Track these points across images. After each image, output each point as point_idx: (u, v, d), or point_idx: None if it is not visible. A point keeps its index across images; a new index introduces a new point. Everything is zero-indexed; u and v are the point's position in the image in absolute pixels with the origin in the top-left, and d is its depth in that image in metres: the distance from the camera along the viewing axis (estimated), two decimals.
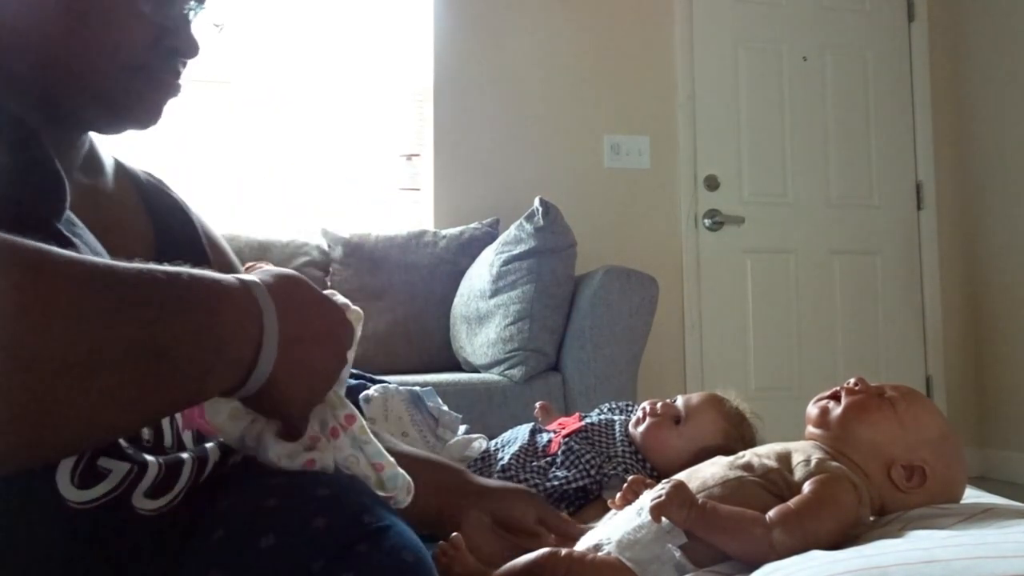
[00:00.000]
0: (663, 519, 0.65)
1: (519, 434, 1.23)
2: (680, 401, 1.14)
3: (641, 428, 1.13)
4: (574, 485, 1.07)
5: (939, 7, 3.42)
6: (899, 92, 3.38)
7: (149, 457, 0.55)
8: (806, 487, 0.66)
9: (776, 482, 0.69)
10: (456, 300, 2.46)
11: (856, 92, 3.34)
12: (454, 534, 0.71)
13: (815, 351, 3.21)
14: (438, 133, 3.01)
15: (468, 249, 2.61)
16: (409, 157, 3.15)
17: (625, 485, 0.77)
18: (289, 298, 0.50)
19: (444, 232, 2.70)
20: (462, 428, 1.29)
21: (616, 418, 1.22)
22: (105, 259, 0.43)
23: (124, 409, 0.41)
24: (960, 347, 3.35)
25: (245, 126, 2.99)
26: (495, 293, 2.24)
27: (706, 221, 3.18)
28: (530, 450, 1.17)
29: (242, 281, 0.48)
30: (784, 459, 0.71)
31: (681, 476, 0.72)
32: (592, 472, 1.08)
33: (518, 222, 2.30)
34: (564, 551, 0.67)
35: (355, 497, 0.54)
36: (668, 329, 3.02)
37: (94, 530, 0.51)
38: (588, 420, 1.21)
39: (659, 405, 1.14)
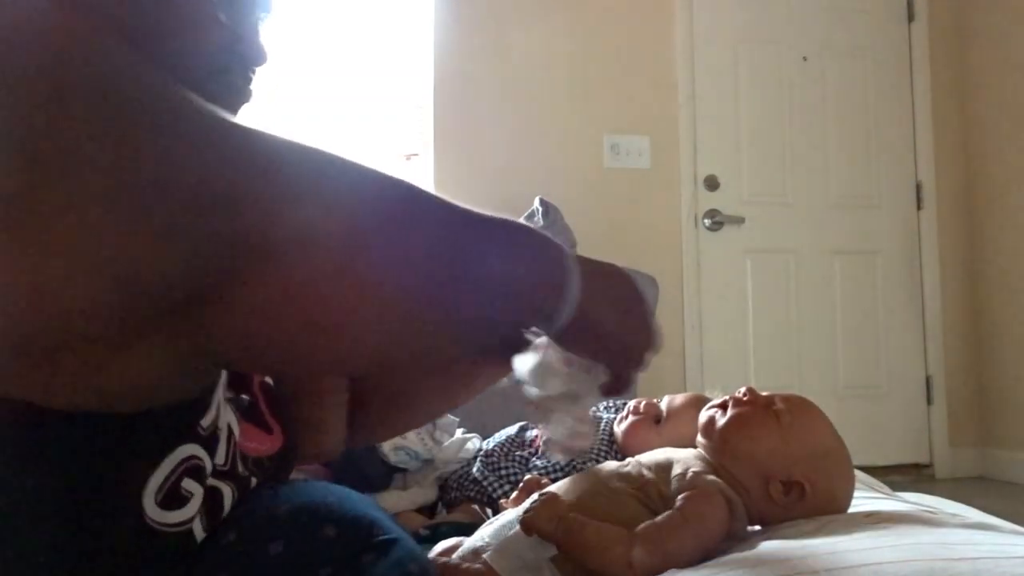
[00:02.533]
0: None
1: (510, 430, 1.25)
2: (664, 401, 1.16)
3: (623, 426, 1.14)
4: (552, 476, 1.09)
5: (939, 7, 3.42)
6: (899, 92, 3.38)
7: (222, 484, 0.54)
8: (677, 502, 0.66)
9: (651, 495, 0.68)
10: None
11: (856, 92, 3.34)
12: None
13: (815, 351, 3.22)
14: (438, 133, 3.02)
15: None
16: (409, 157, 3.15)
17: (521, 485, 0.77)
18: (602, 269, 0.58)
19: None
20: (459, 431, 1.31)
21: (604, 415, 1.24)
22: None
23: (477, 317, 0.49)
24: (960, 347, 3.35)
25: None
26: None
27: (706, 221, 3.18)
28: (516, 442, 1.19)
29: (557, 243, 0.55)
30: (664, 470, 0.70)
31: (566, 483, 0.72)
32: (564, 465, 1.10)
33: None
34: (441, 559, 0.68)
35: (364, 509, 0.55)
36: (668, 329, 3.01)
37: (160, 553, 0.50)
38: None
39: (643, 404, 1.15)
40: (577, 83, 3.13)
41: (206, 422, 0.52)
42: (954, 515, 0.69)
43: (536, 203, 2.27)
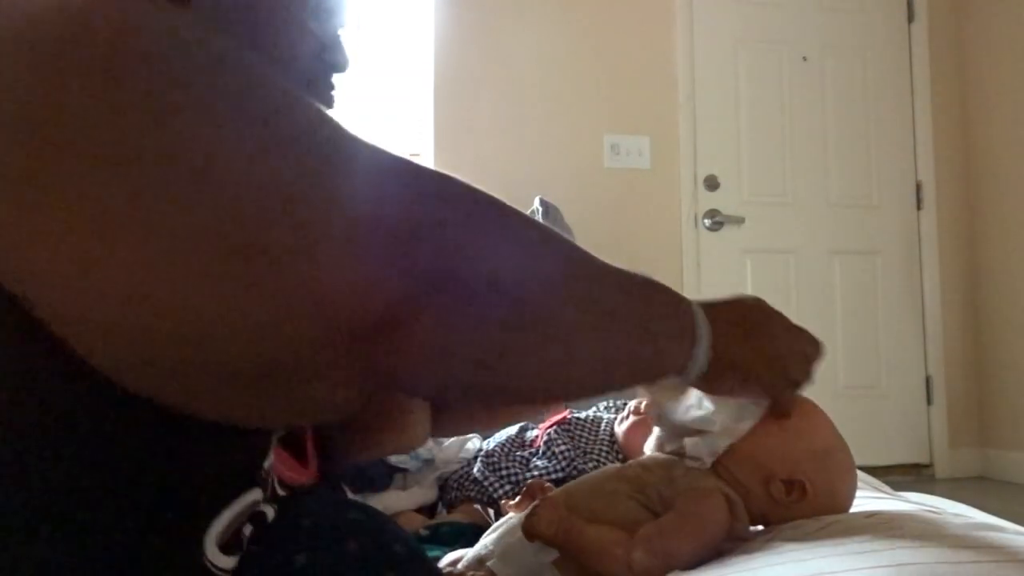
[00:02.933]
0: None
1: (510, 430, 1.25)
2: None
3: (623, 426, 1.14)
4: (553, 476, 1.08)
5: (939, 7, 3.42)
6: (899, 92, 3.39)
7: (267, 507, 0.54)
8: (677, 503, 0.66)
9: (651, 497, 0.68)
10: None
11: (856, 92, 3.35)
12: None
13: None
14: (438, 133, 3.02)
15: None
16: (409, 157, 3.15)
17: (524, 489, 0.77)
18: (729, 305, 0.60)
19: None
20: None
21: (605, 415, 1.24)
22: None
23: (598, 358, 0.51)
24: (960, 347, 3.35)
25: None
26: None
27: (706, 221, 3.18)
28: (516, 441, 1.19)
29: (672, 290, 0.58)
30: (666, 470, 0.70)
31: (568, 486, 0.72)
32: (564, 465, 1.10)
33: None
34: (447, 570, 0.68)
35: (387, 525, 0.56)
36: None
37: None
38: (574, 414, 1.23)
39: (643, 404, 1.15)
40: (577, 83, 3.13)
41: (267, 463, 0.52)
42: (956, 515, 0.69)
43: (536, 203, 2.27)
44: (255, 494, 0.49)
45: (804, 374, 0.65)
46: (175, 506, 0.43)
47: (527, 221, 0.47)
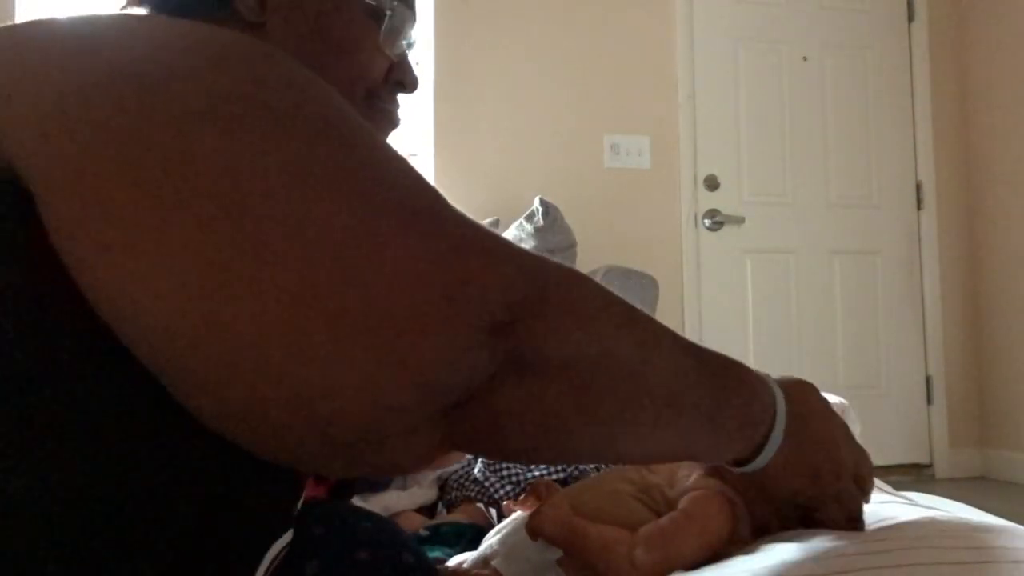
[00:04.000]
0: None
1: None
2: None
3: None
4: (554, 477, 1.08)
5: (939, 7, 3.43)
6: (899, 92, 3.39)
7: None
8: (680, 503, 0.66)
9: (655, 498, 0.69)
10: None
11: (856, 92, 3.35)
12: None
13: (815, 351, 3.22)
14: (438, 133, 3.02)
15: None
16: (409, 157, 3.15)
17: (528, 488, 0.78)
18: (799, 400, 0.58)
19: None
20: None
21: None
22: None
23: (665, 444, 0.51)
24: (960, 347, 3.36)
25: None
26: None
27: (706, 221, 3.18)
28: None
29: (761, 374, 0.56)
30: (670, 471, 0.71)
31: (572, 487, 0.72)
32: (566, 466, 1.10)
33: (518, 222, 2.30)
34: (450, 569, 0.68)
35: (398, 535, 0.57)
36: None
37: None
38: None
39: None
40: (577, 83, 3.13)
41: (299, 503, 0.52)
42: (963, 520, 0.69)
43: (536, 203, 2.27)
44: (288, 536, 0.49)
45: (854, 507, 0.61)
46: (225, 556, 0.43)
47: (618, 309, 0.47)
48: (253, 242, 0.35)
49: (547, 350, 0.42)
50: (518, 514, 0.74)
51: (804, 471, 0.58)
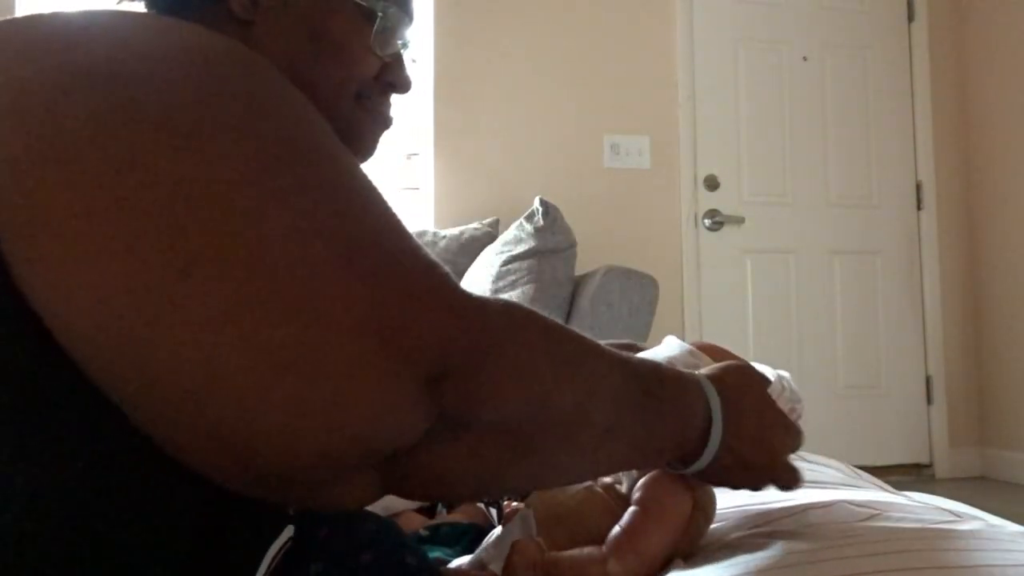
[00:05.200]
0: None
1: None
2: None
3: None
4: None
5: (939, 7, 3.43)
6: (899, 92, 3.39)
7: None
8: (633, 495, 0.65)
9: (615, 496, 0.68)
10: None
11: (856, 92, 3.35)
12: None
13: (815, 351, 3.22)
14: (438, 133, 3.02)
15: (468, 249, 2.61)
16: (409, 157, 3.15)
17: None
18: (735, 399, 0.58)
19: (444, 232, 2.71)
20: None
21: None
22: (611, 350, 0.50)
23: (604, 465, 0.53)
24: (960, 347, 3.36)
25: None
26: (495, 293, 2.24)
27: (706, 221, 3.18)
28: None
29: (697, 378, 0.57)
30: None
31: (542, 513, 0.71)
32: None
33: (518, 222, 2.31)
34: (451, 571, 0.68)
35: (401, 538, 0.57)
36: (668, 329, 3.01)
37: None
38: None
39: None
40: (577, 83, 3.13)
41: None
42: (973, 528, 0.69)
43: (536, 203, 2.27)
44: (289, 531, 0.49)
45: (792, 480, 0.63)
46: (228, 550, 0.42)
47: (562, 351, 0.45)
48: (183, 261, 0.33)
49: (482, 413, 0.40)
50: (515, 513, 0.74)
51: (738, 468, 0.59)
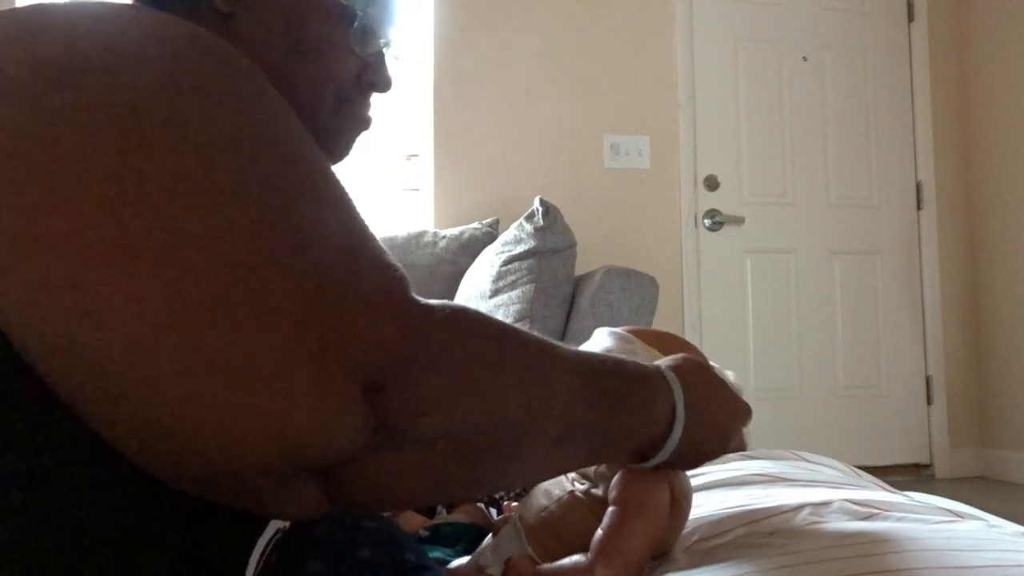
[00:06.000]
0: None
1: None
2: None
3: None
4: None
5: (939, 7, 3.43)
6: (899, 92, 3.39)
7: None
8: (610, 495, 0.64)
9: (593, 499, 0.67)
10: (456, 300, 2.46)
11: (856, 92, 3.35)
12: None
13: (815, 351, 3.22)
14: (438, 133, 3.02)
15: (468, 249, 2.61)
16: (409, 157, 3.15)
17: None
18: (695, 386, 0.58)
19: (444, 232, 2.71)
20: None
21: None
22: (571, 347, 0.49)
23: (559, 467, 0.53)
24: (960, 347, 3.36)
25: None
26: (495, 293, 2.24)
27: (706, 221, 3.18)
28: None
29: (660, 371, 0.56)
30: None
31: (537, 493, 0.71)
32: None
33: (518, 222, 2.30)
34: (450, 571, 0.68)
35: (399, 535, 0.57)
36: (668, 329, 3.01)
37: None
38: None
39: None
40: (577, 83, 3.13)
41: None
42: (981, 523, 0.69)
43: (536, 203, 2.27)
44: (276, 524, 0.48)
45: (740, 445, 0.66)
46: (215, 544, 0.42)
47: (503, 356, 0.43)
48: (117, 256, 0.33)
49: (423, 426, 0.38)
50: (513, 516, 0.74)
51: (694, 454, 0.60)
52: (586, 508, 0.67)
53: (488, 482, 0.46)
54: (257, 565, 0.46)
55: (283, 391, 0.34)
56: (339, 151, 0.63)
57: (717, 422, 0.60)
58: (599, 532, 0.63)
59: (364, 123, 0.64)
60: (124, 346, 0.32)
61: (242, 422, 0.33)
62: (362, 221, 0.41)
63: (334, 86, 0.59)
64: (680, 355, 0.62)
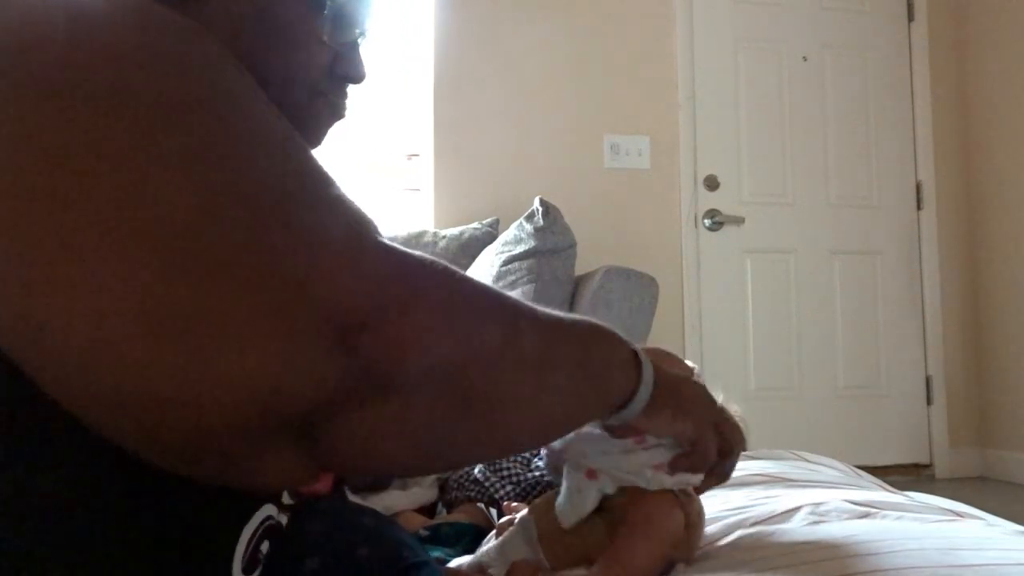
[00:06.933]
0: None
1: None
2: None
3: None
4: (547, 479, 1.09)
5: (939, 7, 3.43)
6: (899, 92, 3.39)
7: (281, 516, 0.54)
8: (626, 514, 0.65)
9: (611, 507, 0.68)
10: None
11: (856, 92, 3.35)
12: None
13: (815, 351, 3.22)
14: (438, 133, 3.02)
15: (468, 249, 2.61)
16: (409, 157, 3.15)
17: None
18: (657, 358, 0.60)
19: (444, 232, 2.71)
20: None
21: None
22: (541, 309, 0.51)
23: (562, 411, 0.51)
24: (960, 347, 3.35)
25: None
26: None
27: (706, 221, 3.18)
28: None
29: (612, 328, 0.57)
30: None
31: (539, 505, 0.71)
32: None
33: (518, 222, 2.30)
34: (450, 571, 0.68)
35: (396, 533, 0.57)
36: (668, 329, 3.02)
37: None
38: None
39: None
40: (577, 83, 3.13)
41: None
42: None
43: (536, 203, 2.27)
44: (269, 508, 0.48)
45: (738, 439, 0.65)
46: (199, 534, 0.42)
47: (475, 294, 0.44)
48: (70, 229, 0.33)
49: (409, 362, 0.38)
50: (517, 517, 0.74)
51: (678, 413, 0.61)
52: (601, 527, 0.67)
53: (480, 438, 0.45)
54: (244, 554, 0.45)
55: (245, 344, 0.34)
56: (311, 140, 0.62)
57: (688, 391, 0.62)
58: (609, 549, 0.64)
59: (338, 113, 0.63)
60: (81, 315, 0.32)
61: (206, 379, 0.33)
62: (324, 172, 0.41)
63: (305, 75, 0.58)
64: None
